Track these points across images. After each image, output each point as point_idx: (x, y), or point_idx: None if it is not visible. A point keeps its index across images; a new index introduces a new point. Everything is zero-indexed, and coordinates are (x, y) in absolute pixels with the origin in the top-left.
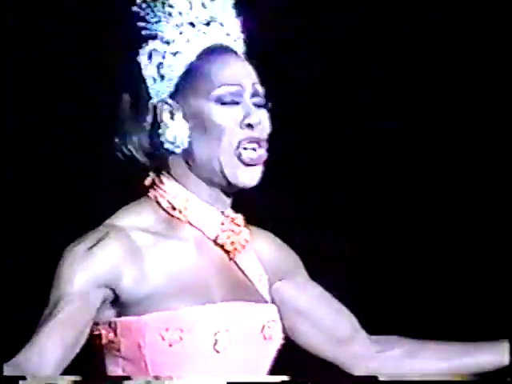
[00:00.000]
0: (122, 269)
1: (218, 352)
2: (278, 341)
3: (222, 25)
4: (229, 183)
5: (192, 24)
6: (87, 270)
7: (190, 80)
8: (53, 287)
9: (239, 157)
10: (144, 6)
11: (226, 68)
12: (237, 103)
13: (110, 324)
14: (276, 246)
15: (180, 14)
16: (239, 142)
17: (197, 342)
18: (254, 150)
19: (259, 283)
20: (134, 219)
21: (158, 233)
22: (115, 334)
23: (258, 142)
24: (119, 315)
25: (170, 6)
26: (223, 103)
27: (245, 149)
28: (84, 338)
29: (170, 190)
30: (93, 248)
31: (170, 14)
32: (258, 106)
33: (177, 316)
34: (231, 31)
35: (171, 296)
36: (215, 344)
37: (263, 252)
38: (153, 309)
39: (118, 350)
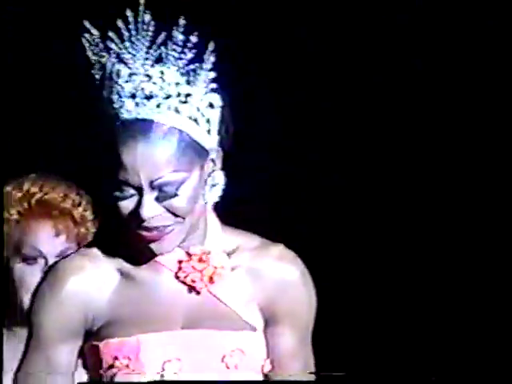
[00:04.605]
0: (90, 310)
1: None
2: (248, 371)
3: (151, 97)
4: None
5: (119, 95)
6: (61, 323)
7: None
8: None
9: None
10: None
11: (122, 156)
12: (132, 195)
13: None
14: (283, 283)
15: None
16: (137, 230)
17: (143, 371)
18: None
19: (245, 309)
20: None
21: (131, 263)
22: (84, 357)
23: (154, 229)
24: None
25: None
26: (118, 197)
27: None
28: None
29: None
30: (62, 294)
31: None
32: (160, 198)
33: (125, 344)
34: (165, 102)
35: (131, 323)
36: (163, 373)
37: (265, 280)
38: (111, 335)
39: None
